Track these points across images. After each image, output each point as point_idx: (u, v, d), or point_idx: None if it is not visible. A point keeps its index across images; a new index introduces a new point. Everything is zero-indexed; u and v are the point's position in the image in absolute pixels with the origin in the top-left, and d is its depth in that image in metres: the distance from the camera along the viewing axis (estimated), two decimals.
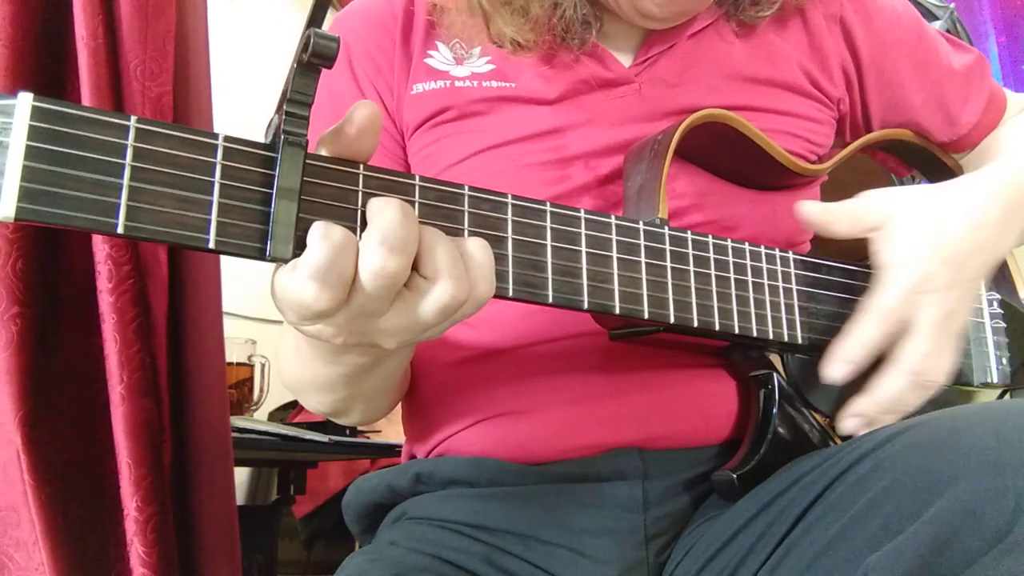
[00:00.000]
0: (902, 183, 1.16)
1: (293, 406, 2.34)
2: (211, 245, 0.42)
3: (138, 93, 0.95)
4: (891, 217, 0.67)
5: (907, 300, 0.64)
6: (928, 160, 0.89)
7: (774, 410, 0.68)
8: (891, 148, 0.89)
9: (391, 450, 1.87)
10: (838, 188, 0.84)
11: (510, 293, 0.52)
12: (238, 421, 1.58)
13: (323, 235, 0.43)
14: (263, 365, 1.84)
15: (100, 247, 0.93)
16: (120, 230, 0.39)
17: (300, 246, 0.44)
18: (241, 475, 2.55)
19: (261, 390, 1.86)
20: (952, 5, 1.36)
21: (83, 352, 0.95)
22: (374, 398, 0.72)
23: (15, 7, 0.92)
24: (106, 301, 0.93)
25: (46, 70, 0.95)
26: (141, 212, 0.40)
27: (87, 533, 0.94)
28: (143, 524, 0.92)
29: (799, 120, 0.79)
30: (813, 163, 0.79)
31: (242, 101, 2.04)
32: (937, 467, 0.49)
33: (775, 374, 0.69)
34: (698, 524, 0.68)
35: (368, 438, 2.02)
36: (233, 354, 1.77)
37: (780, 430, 0.67)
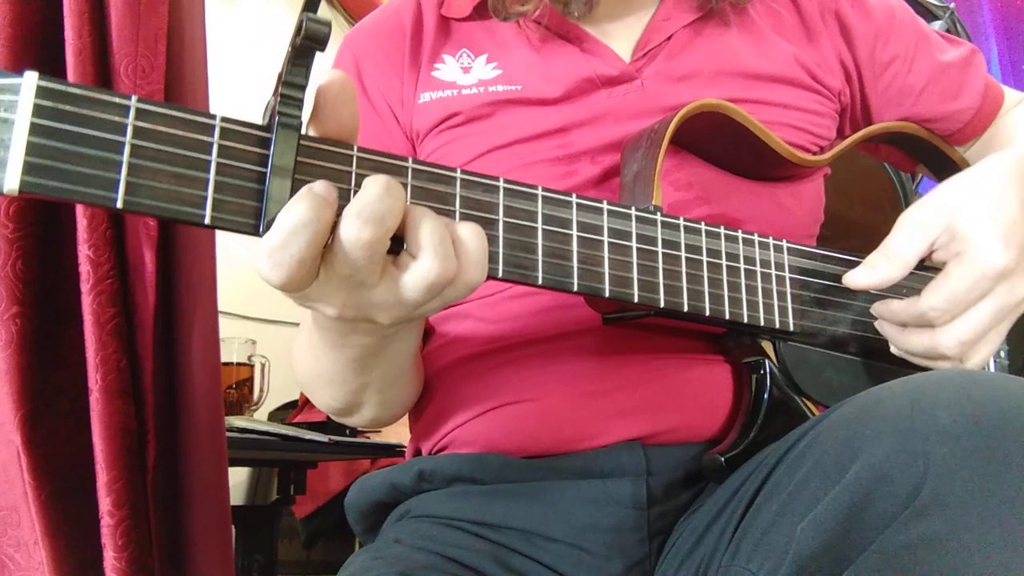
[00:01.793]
0: (900, 183, 1.17)
1: (293, 406, 2.36)
2: (207, 221, 0.44)
3: (128, 91, 0.96)
4: (948, 222, 0.66)
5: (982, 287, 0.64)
6: (932, 153, 0.90)
7: (765, 395, 0.69)
8: (895, 141, 0.90)
9: (391, 450, 1.88)
10: (838, 188, 0.85)
11: (500, 274, 0.54)
12: (238, 421, 1.59)
13: (283, 212, 0.45)
14: (263, 365, 1.85)
15: (81, 247, 0.93)
16: (119, 205, 0.41)
17: None
18: (241, 475, 2.56)
19: (261, 390, 1.86)
20: (952, 5, 1.37)
21: (82, 352, 0.95)
22: (385, 388, 0.72)
23: (15, 7, 0.92)
24: (85, 302, 0.93)
25: (45, 70, 0.97)
26: (140, 188, 0.42)
27: (87, 533, 0.94)
28: (113, 528, 0.91)
29: (800, 113, 0.80)
30: (814, 154, 0.81)
31: (242, 103, 2.06)
32: (856, 437, 0.50)
33: (767, 360, 0.70)
34: (684, 518, 0.69)
35: (368, 438, 2.02)
36: (233, 354, 1.79)
37: (770, 415, 0.69)
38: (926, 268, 0.69)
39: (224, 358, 1.68)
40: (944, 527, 0.45)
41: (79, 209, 0.94)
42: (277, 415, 2.38)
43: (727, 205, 0.75)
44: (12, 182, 0.39)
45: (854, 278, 0.68)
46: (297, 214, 0.45)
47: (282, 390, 2.22)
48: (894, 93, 0.87)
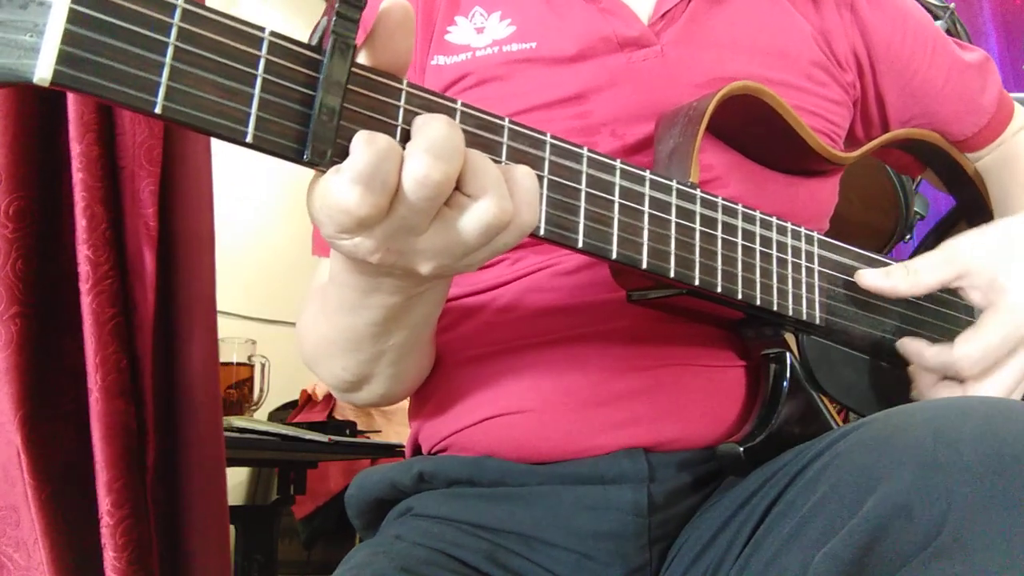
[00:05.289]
0: (901, 183, 1.14)
1: (293, 406, 2.32)
2: (249, 139, 0.39)
3: None
4: (975, 263, 0.66)
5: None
6: (946, 163, 0.87)
7: (784, 385, 0.65)
8: (912, 148, 0.86)
9: (391, 450, 1.84)
10: (840, 187, 0.82)
11: (541, 232, 0.50)
12: (238, 421, 1.56)
13: (367, 141, 0.41)
14: (263, 365, 1.82)
15: (80, 247, 0.91)
16: (158, 110, 0.37)
17: (337, 154, 0.42)
18: (241, 475, 2.51)
19: (261, 390, 1.83)
20: (952, 5, 1.34)
21: (82, 352, 0.93)
22: (399, 359, 0.67)
23: None
24: (84, 302, 0.91)
25: None
26: (181, 94, 0.37)
27: (87, 533, 0.91)
28: (113, 528, 0.88)
29: (819, 100, 0.77)
30: (831, 146, 0.77)
31: None
32: (875, 465, 0.48)
33: (788, 353, 0.66)
34: (689, 525, 0.66)
35: (368, 438, 1.98)
36: (233, 354, 1.75)
37: (788, 408, 0.65)
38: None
39: (224, 358, 1.65)
40: (963, 570, 0.42)
41: (78, 209, 0.91)
42: (277, 415, 2.35)
43: (743, 190, 0.71)
44: (45, 70, 0.34)
45: (865, 276, 0.68)
46: (384, 140, 0.41)
47: (282, 390, 2.18)
48: (915, 87, 0.84)
